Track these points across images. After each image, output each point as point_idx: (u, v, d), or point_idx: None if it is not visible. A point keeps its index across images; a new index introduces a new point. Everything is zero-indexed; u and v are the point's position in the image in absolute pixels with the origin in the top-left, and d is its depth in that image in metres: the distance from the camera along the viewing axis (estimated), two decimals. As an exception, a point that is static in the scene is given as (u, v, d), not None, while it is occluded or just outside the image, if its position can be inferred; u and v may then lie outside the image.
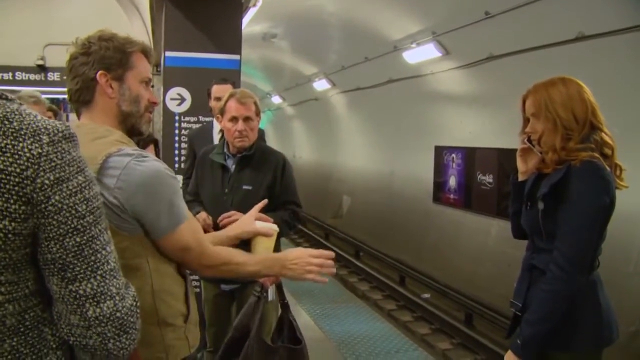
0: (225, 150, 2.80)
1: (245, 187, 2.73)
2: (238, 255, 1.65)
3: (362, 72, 10.46)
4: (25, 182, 0.95)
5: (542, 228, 1.92)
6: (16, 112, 0.97)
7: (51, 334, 1.06)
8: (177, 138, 4.25)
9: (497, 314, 6.56)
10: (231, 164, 2.79)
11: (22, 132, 0.96)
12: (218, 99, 3.30)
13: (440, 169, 9.18)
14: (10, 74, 8.46)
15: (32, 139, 0.96)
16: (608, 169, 1.84)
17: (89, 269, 1.02)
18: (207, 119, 4.08)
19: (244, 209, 2.15)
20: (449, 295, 7.73)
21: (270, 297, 2.55)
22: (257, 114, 2.75)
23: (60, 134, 1.00)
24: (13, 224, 0.95)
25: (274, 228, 1.95)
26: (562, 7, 5.48)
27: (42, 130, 0.98)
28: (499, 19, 6.17)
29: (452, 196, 8.93)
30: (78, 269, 1.01)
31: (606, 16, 5.15)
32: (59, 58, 7.85)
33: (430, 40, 7.62)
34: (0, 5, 8.10)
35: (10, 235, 0.96)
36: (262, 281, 2.37)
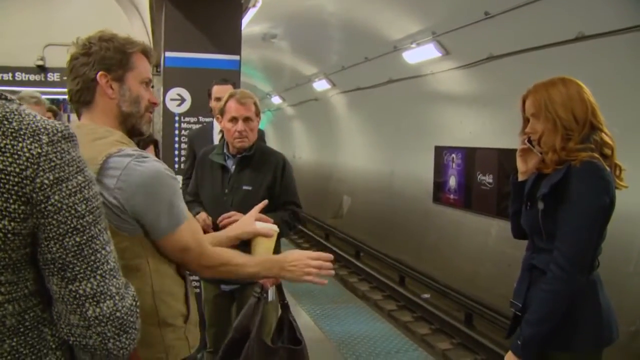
0: (225, 150, 2.80)
1: (245, 187, 2.73)
2: (237, 256, 1.65)
3: (362, 72, 10.47)
4: (24, 182, 0.95)
5: (542, 228, 1.92)
6: (15, 112, 0.97)
7: (51, 334, 1.06)
8: (177, 138, 4.25)
9: (497, 314, 6.56)
10: (231, 165, 2.79)
11: (22, 132, 0.96)
12: (218, 99, 3.30)
13: (440, 169, 9.18)
14: (10, 74, 8.46)
15: (31, 139, 0.96)
16: (608, 169, 1.84)
17: (89, 268, 1.02)
18: (207, 120, 4.08)
19: (244, 210, 2.15)
20: (449, 296, 7.73)
21: (270, 298, 2.55)
22: (257, 114, 2.75)
23: (59, 134, 1.00)
24: (12, 223, 0.95)
25: (274, 229, 1.95)
26: (562, 7, 5.48)
27: (42, 130, 0.98)
28: (499, 19, 6.17)
29: (452, 196, 8.93)
30: (78, 268, 1.01)
31: (606, 16, 5.15)
32: (58, 58, 7.89)
33: (430, 40, 7.62)
34: (0, 5, 8.10)
35: (9, 235, 0.96)
36: (262, 282, 2.37)
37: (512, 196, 2.14)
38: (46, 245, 1.00)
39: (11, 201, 0.94)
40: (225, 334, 2.84)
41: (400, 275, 9.23)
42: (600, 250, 1.92)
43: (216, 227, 2.45)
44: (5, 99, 0.99)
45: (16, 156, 0.94)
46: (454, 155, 8.80)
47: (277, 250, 2.20)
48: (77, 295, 1.02)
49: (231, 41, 4.32)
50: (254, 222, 1.93)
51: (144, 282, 1.43)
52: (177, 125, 4.24)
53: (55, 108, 4.99)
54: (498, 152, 7.58)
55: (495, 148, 7.63)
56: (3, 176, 0.93)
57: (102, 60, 1.46)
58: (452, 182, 8.86)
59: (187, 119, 4.24)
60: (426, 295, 8.07)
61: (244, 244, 1.92)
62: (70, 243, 1.00)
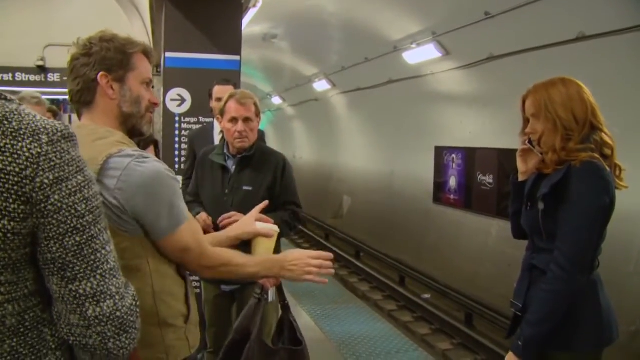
0: (226, 151, 2.80)
1: (245, 187, 2.73)
2: (237, 256, 1.65)
3: (362, 73, 10.47)
4: (24, 181, 0.95)
5: (542, 228, 1.92)
6: (15, 112, 0.97)
7: (51, 334, 1.06)
8: (177, 139, 4.25)
9: (497, 314, 6.56)
10: (231, 165, 2.79)
11: (22, 132, 0.96)
12: (219, 99, 3.29)
13: (440, 169, 9.18)
14: (10, 74, 8.46)
15: (31, 139, 0.96)
16: (608, 169, 1.84)
17: (89, 268, 1.02)
18: (208, 120, 4.08)
19: (244, 210, 2.15)
20: (449, 296, 7.73)
21: (270, 299, 2.56)
22: (257, 114, 2.75)
23: (59, 134, 1.00)
24: (12, 223, 0.95)
25: (274, 229, 1.95)
26: (563, 7, 5.48)
27: (42, 130, 0.98)
28: (499, 19, 6.17)
29: (452, 196, 8.93)
30: (78, 268, 1.01)
31: (607, 16, 5.15)
32: (59, 59, 7.89)
33: (431, 40, 7.62)
34: (0, 5, 8.10)
35: (9, 235, 0.96)
36: (262, 282, 2.38)
37: (512, 196, 2.15)
38: (46, 245, 1.00)
39: (11, 201, 0.94)
40: (225, 334, 2.85)
41: (400, 275, 9.23)
42: (600, 250, 1.92)
43: (216, 228, 2.45)
44: (5, 99, 0.99)
45: (16, 156, 0.94)
46: (454, 155, 8.80)
47: (277, 250, 2.20)
48: (77, 295, 1.02)
49: (231, 41, 4.32)
50: (254, 222, 1.94)
51: (144, 282, 1.43)
52: (177, 125, 4.24)
53: (55, 108, 4.99)
54: (498, 153, 7.58)
55: (496, 148, 7.63)
56: (3, 176, 0.93)
57: (102, 61, 1.46)
58: (452, 182, 8.86)
59: (187, 119, 4.24)
60: (426, 296, 8.07)
61: (244, 244, 1.92)
62: (70, 243, 1.00)
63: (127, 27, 7.70)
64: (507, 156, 7.06)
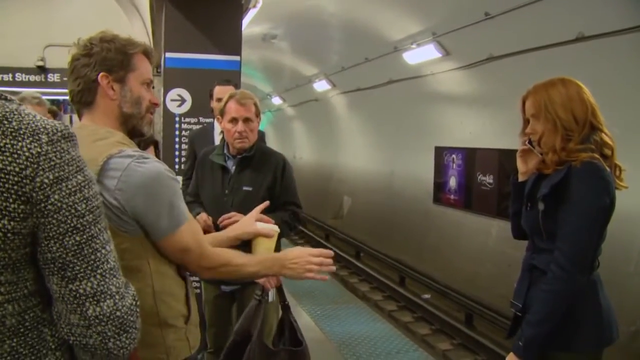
0: (226, 151, 2.81)
1: (245, 188, 2.74)
2: (237, 256, 1.65)
3: (362, 73, 10.47)
4: (24, 181, 0.95)
5: (542, 228, 1.92)
6: (15, 112, 0.97)
7: (50, 334, 1.06)
8: (177, 139, 4.25)
9: (497, 314, 6.56)
10: (231, 165, 2.79)
11: (22, 132, 0.96)
12: (220, 100, 3.30)
13: (440, 169, 9.18)
14: (11, 75, 8.46)
15: (31, 138, 0.96)
16: (608, 169, 1.84)
17: (89, 268, 1.02)
18: (208, 120, 4.08)
19: (244, 210, 2.15)
20: (449, 296, 7.73)
21: (270, 299, 2.56)
22: (257, 115, 2.76)
23: (59, 134, 1.00)
24: (12, 223, 0.95)
25: (274, 229, 1.96)
26: (563, 7, 5.48)
27: (41, 129, 0.98)
28: (499, 19, 6.17)
29: (452, 197, 8.93)
30: (78, 268, 1.01)
31: (607, 16, 5.15)
32: (59, 59, 7.90)
33: (431, 41, 7.62)
34: (0, 5, 8.11)
35: (9, 235, 0.96)
36: (262, 282, 2.38)
37: (512, 196, 2.15)
38: (46, 244, 1.00)
39: (11, 200, 0.94)
40: (225, 335, 2.86)
41: (400, 275, 9.23)
42: (600, 250, 1.93)
43: (217, 228, 2.45)
44: (5, 99, 1.00)
45: (16, 155, 0.94)
46: (454, 155, 8.80)
47: (277, 250, 2.20)
48: (78, 295, 1.02)
49: (231, 42, 4.32)
50: (254, 222, 1.94)
51: (144, 283, 1.43)
52: (177, 125, 4.24)
53: (56, 109, 5.00)
54: (498, 153, 7.59)
55: (496, 148, 7.63)
56: (3, 175, 0.93)
57: (103, 61, 1.46)
58: (453, 182, 8.86)
59: (187, 119, 4.24)
60: (426, 296, 8.07)
61: (245, 244, 1.92)
62: (70, 242, 1.00)
63: (127, 28, 7.70)
64: (507, 156, 7.06)
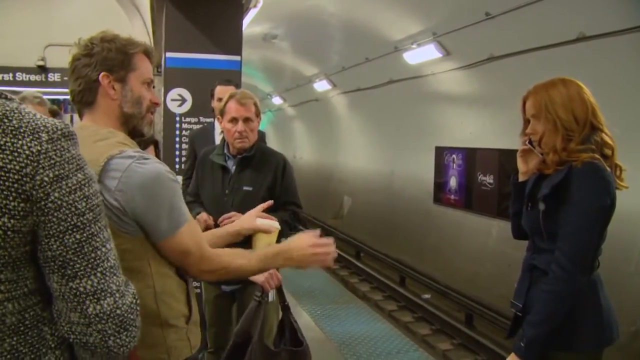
0: (226, 151, 2.81)
1: (245, 188, 2.73)
2: (237, 257, 1.62)
3: (362, 73, 10.47)
4: (24, 179, 0.95)
5: (543, 228, 1.92)
6: (15, 111, 0.97)
7: (50, 333, 1.06)
8: (177, 139, 4.25)
9: (497, 314, 6.56)
10: (231, 165, 2.79)
11: (22, 130, 0.96)
12: (221, 99, 3.30)
13: (440, 169, 9.19)
14: (11, 74, 8.47)
15: (31, 137, 0.96)
16: (609, 169, 1.84)
17: (89, 266, 1.02)
18: (208, 120, 4.08)
19: (244, 210, 2.15)
20: (449, 296, 7.73)
21: (270, 299, 2.56)
22: (257, 114, 2.75)
23: (59, 132, 1.00)
24: (12, 221, 0.95)
25: (275, 225, 1.96)
26: (563, 7, 5.48)
27: (42, 128, 0.98)
28: (500, 19, 6.17)
29: (452, 197, 8.93)
30: (78, 266, 1.01)
31: (607, 17, 5.15)
32: (59, 59, 7.90)
33: (431, 41, 7.62)
34: (0, 5, 8.11)
35: (9, 233, 0.96)
36: (261, 283, 2.38)
37: (512, 197, 2.15)
38: (46, 242, 1.00)
39: (11, 198, 0.94)
40: (225, 334, 2.86)
41: (400, 275, 9.23)
42: (600, 250, 1.93)
43: (217, 228, 2.45)
44: (6, 97, 1.00)
45: (16, 154, 0.94)
46: (454, 155, 8.80)
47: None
48: (78, 293, 1.02)
49: (232, 42, 4.32)
50: (254, 218, 1.94)
51: (145, 283, 1.43)
52: (177, 125, 4.25)
53: (57, 108, 4.99)
54: (499, 153, 7.59)
55: (496, 149, 7.63)
56: (3, 173, 0.93)
57: (104, 61, 1.46)
58: (453, 182, 8.86)
59: (187, 119, 4.24)
60: (427, 296, 8.07)
61: (246, 241, 1.92)
62: (70, 240, 1.00)
63: (128, 27, 7.70)
64: (507, 156, 7.06)
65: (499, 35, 6.58)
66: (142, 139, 1.61)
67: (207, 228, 2.59)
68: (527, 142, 2.01)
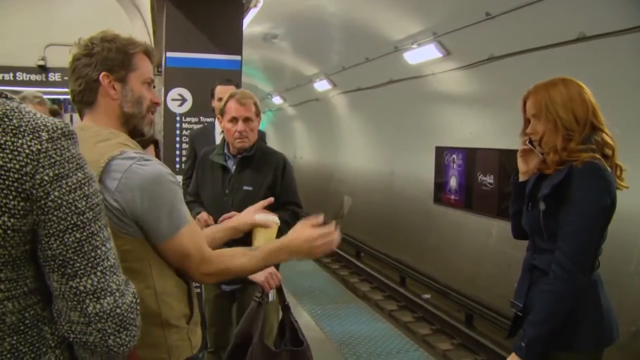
0: (226, 151, 2.81)
1: (245, 187, 2.73)
2: (238, 257, 1.60)
3: (362, 73, 10.47)
4: (24, 178, 0.95)
5: (543, 228, 1.92)
6: (15, 110, 0.97)
7: (50, 332, 1.06)
8: (178, 139, 4.26)
9: (497, 314, 6.56)
10: (231, 165, 2.79)
11: (22, 129, 0.96)
12: (221, 99, 3.30)
13: (441, 169, 9.19)
14: (11, 74, 8.47)
15: (31, 136, 0.96)
16: (609, 169, 1.84)
17: (89, 265, 1.02)
18: (208, 120, 4.09)
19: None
20: (449, 296, 7.73)
21: (270, 299, 2.56)
22: (257, 114, 2.75)
23: (59, 131, 1.00)
24: (12, 220, 0.95)
25: (275, 221, 1.96)
26: (564, 7, 5.48)
27: (42, 127, 0.98)
28: (500, 19, 6.17)
29: (452, 197, 8.93)
30: (78, 265, 1.01)
31: (607, 17, 5.15)
32: (60, 58, 7.91)
33: (431, 40, 7.62)
34: (0, 5, 8.11)
35: (9, 232, 0.96)
36: (261, 283, 2.38)
37: (512, 196, 2.15)
38: (46, 241, 1.00)
39: (11, 197, 0.94)
40: (226, 334, 2.86)
41: (400, 275, 9.23)
42: (600, 250, 1.92)
43: (217, 228, 2.45)
44: (6, 97, 1.00)
45: (16, 153, 0.94)
46: (454, 155, 8.80)
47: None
48: (78, 292, 1.02)
49: (232, 41, 4.32)
50: (253, 214, 1.94)
51: (146, 284, 1.43)
52: (178, 125, 4.25)
53: (57, 108, 4.99)
54: (499, 153, 7.59)
55: (496, 148, 7.63)
56: (3, 172, 0.93)
57: (104, 61, 1.46)
58: (453, 182, 8.86)
59: (188, 119, 4.25)
60: (427, 296, 8.07)
61: (246, 237, 1.92)
62: (70, 239, 1.00)
63: (128, 27, 7.70)
64: (507, 156, 7.06)
65: (499, 35, 6.58)
66: (142, 139, 1.61)
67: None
68: (527, 142, 2.01)
